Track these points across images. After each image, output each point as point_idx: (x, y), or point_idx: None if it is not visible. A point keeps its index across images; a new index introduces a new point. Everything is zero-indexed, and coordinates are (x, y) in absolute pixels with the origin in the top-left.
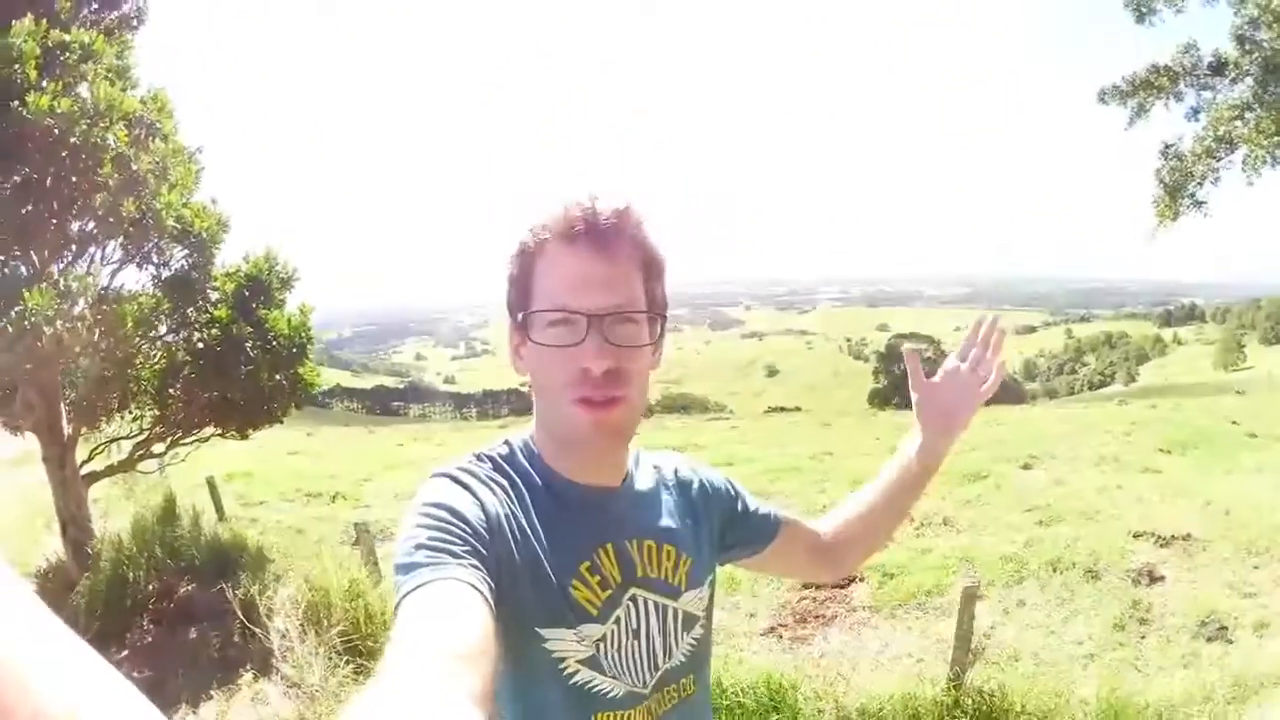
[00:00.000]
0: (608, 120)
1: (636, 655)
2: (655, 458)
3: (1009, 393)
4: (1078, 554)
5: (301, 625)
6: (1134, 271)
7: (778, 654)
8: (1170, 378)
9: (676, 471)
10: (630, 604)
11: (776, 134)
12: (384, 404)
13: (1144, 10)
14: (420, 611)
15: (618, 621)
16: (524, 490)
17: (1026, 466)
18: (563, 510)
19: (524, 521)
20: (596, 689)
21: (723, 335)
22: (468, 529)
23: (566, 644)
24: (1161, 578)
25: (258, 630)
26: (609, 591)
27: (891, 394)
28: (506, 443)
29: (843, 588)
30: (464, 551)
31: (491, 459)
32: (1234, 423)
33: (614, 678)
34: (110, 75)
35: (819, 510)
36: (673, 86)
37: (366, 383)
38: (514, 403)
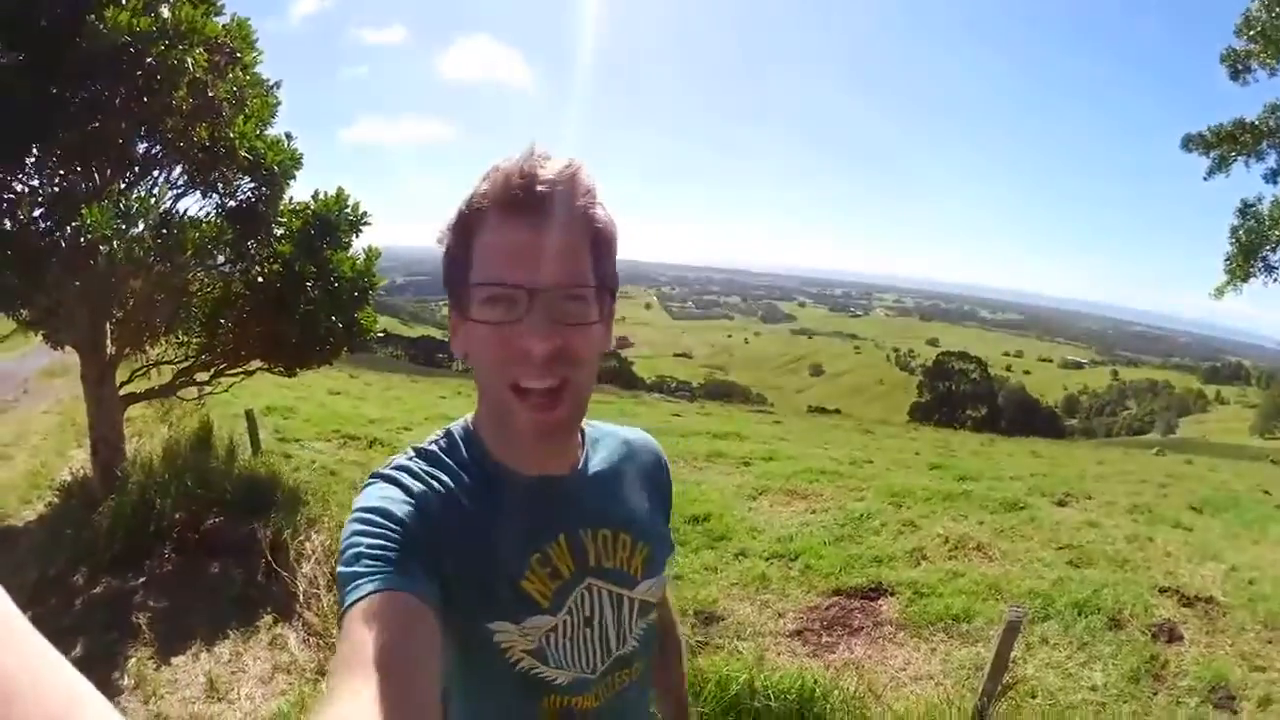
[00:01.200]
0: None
1: (589, 643)
2: (620, 433)
3: (1049, 425)
4: (1104, 600)
5: (330, 574)
6: (1187, 324)
7: (803, 658)
8: (1208, 435)
9: (642, 451)
10: (585, 593)
11: (859, 136)
12: (429, 355)
13: (1240, 68)
14: (365, 625)
15: (570, 612)
16: (467, 483)
17: (1062, 504)
18: (510, 502)
19: (468, 518)
20: (543, 676)
21: (772, 329)
22: (406, 533)
23: (512, 637)
24: (1181, 637)
25: (284, 573)
26: (559, 583)
27: (934, 410)
28: (447, 432)
29: (872, 600)
30: (405, 558)
31: (429, 454)
32: (1266, 492)
33: (560, 668)
34: None
35: (855, 519)
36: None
37: (414, 332)
38: None
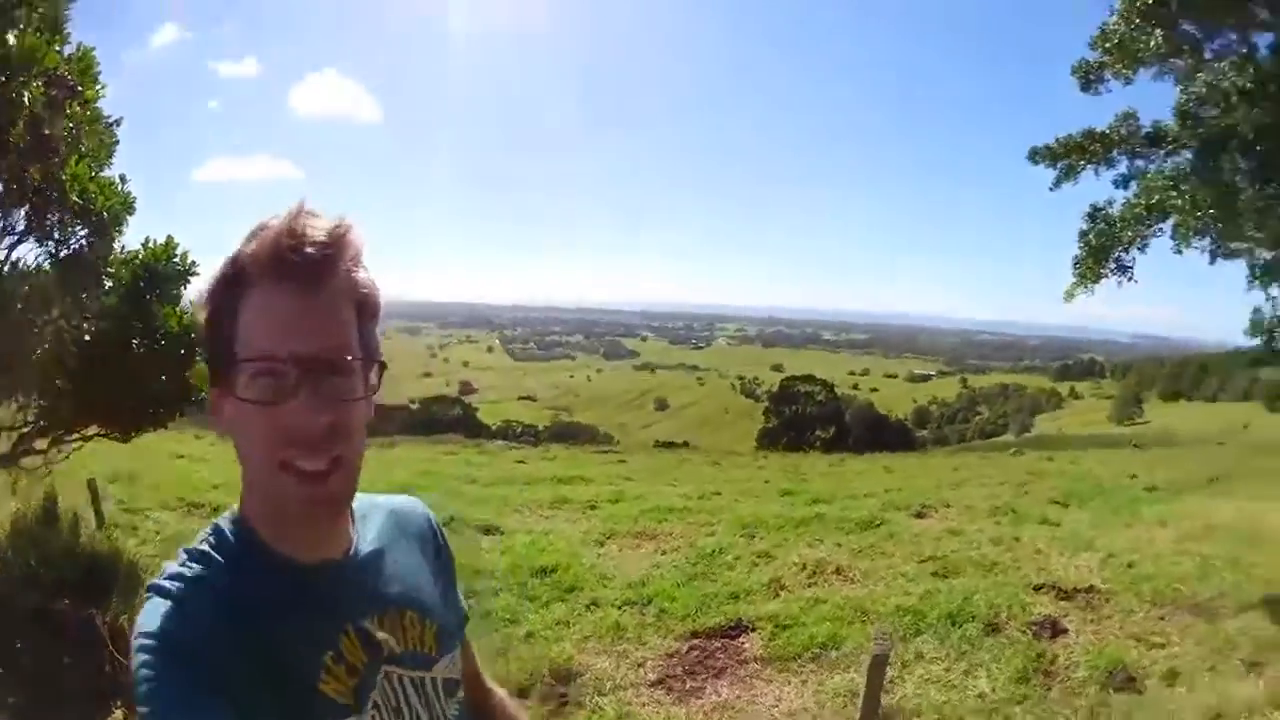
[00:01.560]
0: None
1: None
2: (385, 504)
3: (900, 439)
4: (976, 606)
5: None
6: (1036, 328)
7: (669, 707)
8: (1065, 429)
9: (411, 519)
10: (385, 683)
11: (697, 166)
12: None
13: (1092, 79)
14: None
15: (376, 707)
16: (244, 583)
17: (920, 515)
18: (290, 599)
19: (251, 623)
20: None
21: (615, 365)
22: (187, 660)
23: None
24: (1065, 630)
25: (127, 662)
26: (357, 679)
27: (782, 434)
28: (216, 527)
29: (733, 638)
30: (190, 692)
31: (201, 554)
32: (1132, 476)
33: None
34: (41, 25)
35: (707, 555)
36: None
37: None
38: (403, 419)
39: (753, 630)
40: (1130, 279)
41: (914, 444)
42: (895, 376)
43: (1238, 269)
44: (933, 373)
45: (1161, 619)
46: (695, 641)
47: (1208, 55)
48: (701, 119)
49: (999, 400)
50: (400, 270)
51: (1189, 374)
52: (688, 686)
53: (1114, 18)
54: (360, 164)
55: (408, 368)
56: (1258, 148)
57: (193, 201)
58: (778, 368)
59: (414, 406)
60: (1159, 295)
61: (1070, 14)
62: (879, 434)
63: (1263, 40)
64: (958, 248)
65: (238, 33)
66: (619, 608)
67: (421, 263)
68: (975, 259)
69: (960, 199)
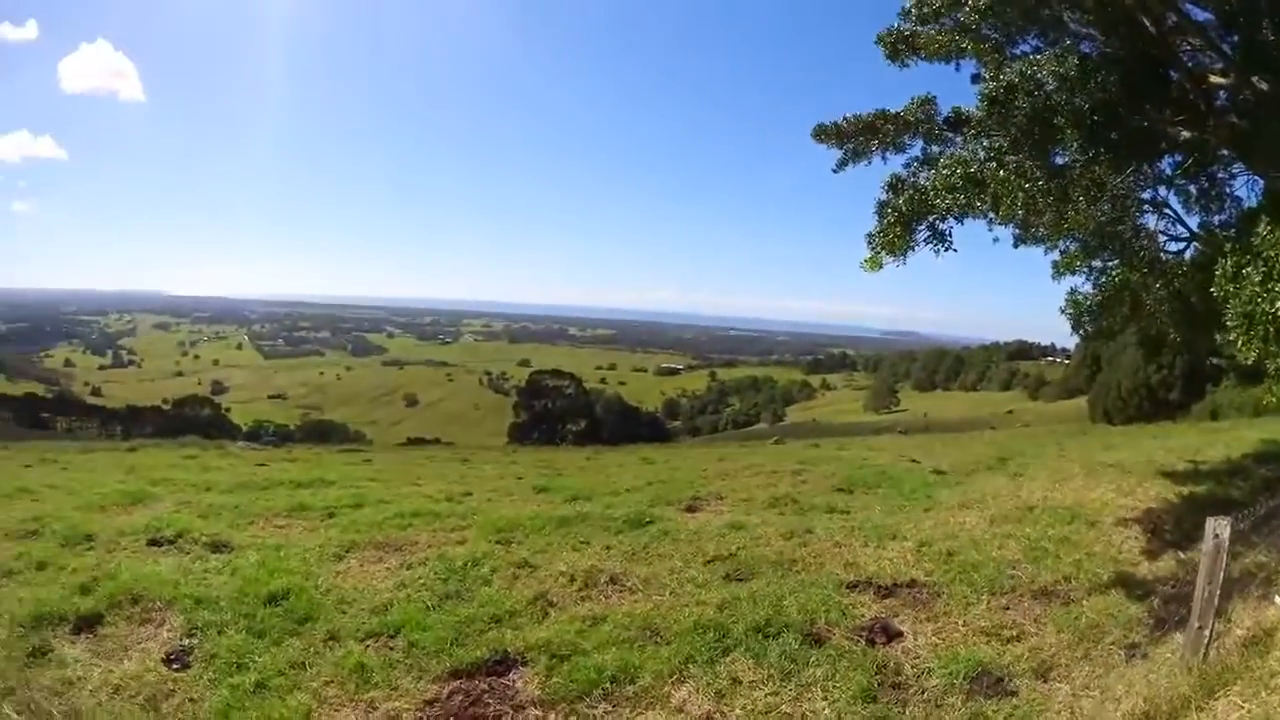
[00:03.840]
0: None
1: None
2: None
3: (653, 430)
4: (789, 613)
5: None
6: (784, 325)
7: None
8: (819, 418)
9: None
10: None
11: (438, 155)
12: (34, 415)
13: (900, 49)
14: None
15: None
16: None
17: (692, 509)
18: None
19: None
20: None
21: (364, 362)
22: None
23: None
24: (900, 633)
25: None
26: None
27: (532, 428)
28: None
29: (501, 675)
30: None
31: None
32: (914, 460)
33: None
34: None
35: (459, 569)
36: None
37: (18, 388)
38: (156, 421)
39: (524, 663)
40: (949, 248)
41: (667, 435)
42: (644, 370)
43: (995, 272)
44: (681, 366)
45: (1007, 609)
46: (456, 683)
47: (1013, 53)
48: (448, 114)
49: (750, 392)
50: (157, 264)
51: (946, 366)
52: None
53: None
54: (122, 145)
55: (159, 366)
56: (1090, 125)
57: None
58: (525, 363)
59: (167, 408)
60: (912, 297)
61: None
62: (632, 426)
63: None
64: (703, 245)
65: None
66: (362, 641)
67: (170, 254)
68: (717, 254)
69: (702, 196)
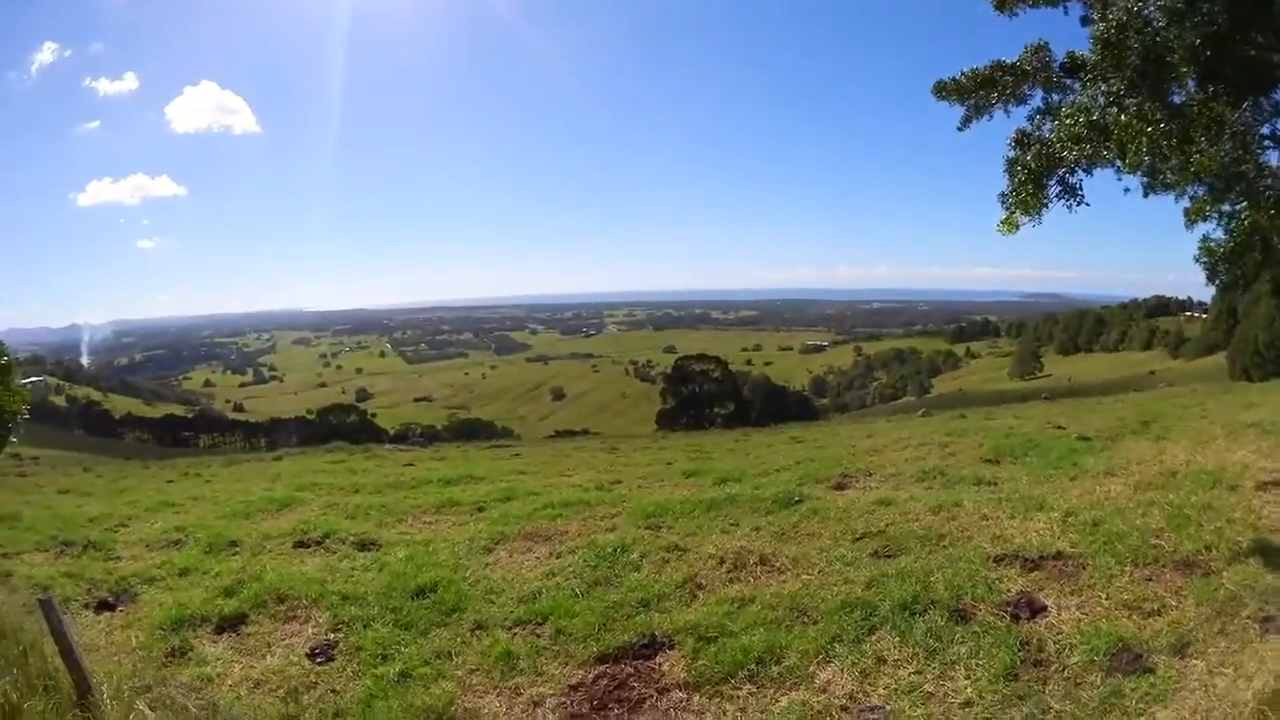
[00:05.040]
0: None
1: None
2: None
3: (801, 409)
4: (935, 590)
5: None
6: (926, 293)
7: None
8: (965, 388)
9: None
10: None
11: (574, 151)
12: (175, 435)
13: None
14: None
15: None
16: None
17: (840, 487)
18: None
19: None
20: None
21: (508, 360)
22: None
23: None
24: (1044, 608)
25: None
26: None
27: (680, 414)
28: None
29: (648, 659)
30: None
31: None
32: (1059, 427)
33: None
34: None
35: (608, 555)
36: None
37: (157, 411)
38: (302, 431)
39: (671, 647)
40: (1081, 201)
41: (815, 413)
42: (789, 349)
43: (1132, 224)
44: (825, 343)
45: (1149, 580)
46: (602, 668)
47: None
48: (578, 109)
49: (895, 364)
50: (284, 282)
51: (1087, 327)
52: None
53: None
54: (240, 177)
55: (301, 379)
56: (1203, 59)
57: (74, 228)
58: (670, 349)
59: (311, 418)
60: (1047, 258)
61: None
62: (779, 406)
63: None
64: (836, 218)
65: (116, 48)
66: (509, 629)
67: (303, 273)
68: (855, 229)
69: (832, 169)
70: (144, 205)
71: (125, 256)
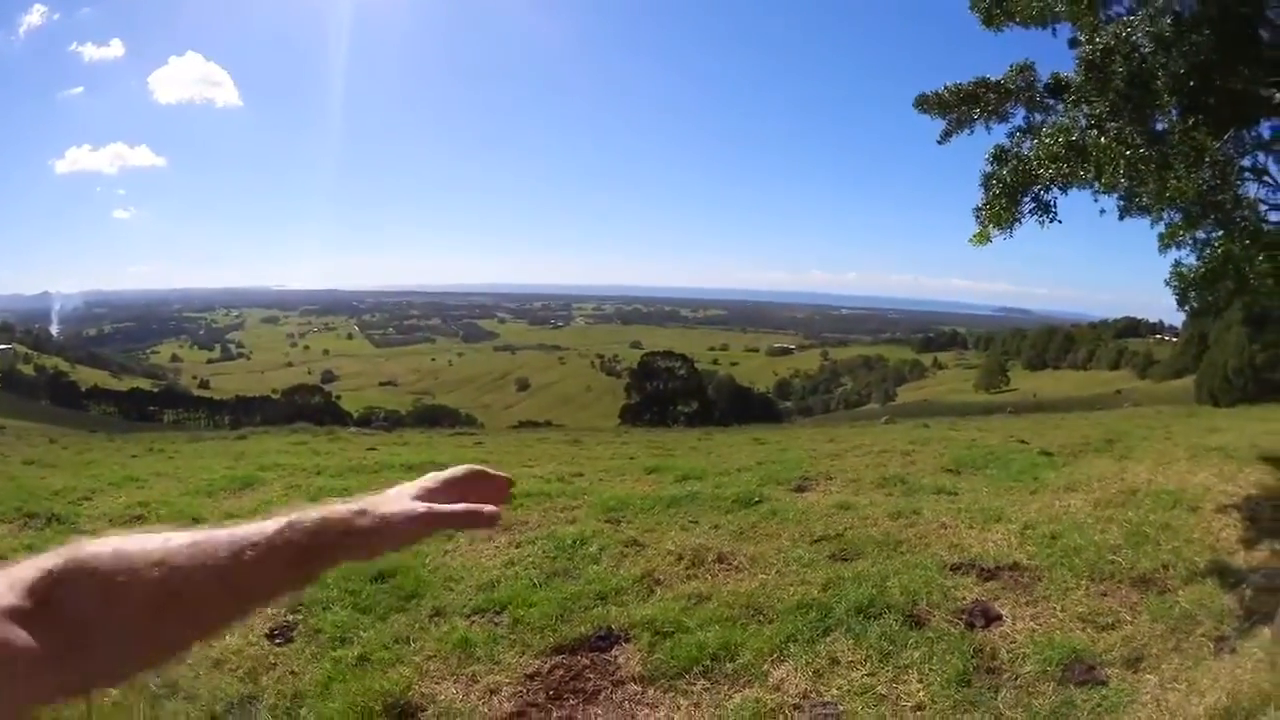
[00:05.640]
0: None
1: None
2: None
3: (765, 411)
4: (891, 594)
5: None
6: (896, 302)
7: None
8: (929, 398)
9: None
10: None
11: (543, 142)
12: (141, 409)
13: (995, 13)
14: None
15: None
16: None
17: (801, 489)
18: None
19: None
20: None
21: (475, 348)
22: None
23: None
24: (999, 617)
25: None
26: None
27: (644, 410)
28: None
29: (604, 651)
30: None
31: None
32: (1022, 442)
33: None
34: None
35: (567, 547)
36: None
37: (124, 385)
38: (266, 410)
39: (627, 640)
40: (1054, 218)
41: (779, 416)
42: (756, 351)
43: (1108, 246)
44: (793, 346)
45: (1104, 595)
46: (559, 658)
47: (1108, 14)
48: (548, 100)
49: (862, 371)
50: (256, 260)
51: (1055, 344)
52: (554, 717)
53: None
54: (219, 150)
55: (268, 358)
56: (1187, 89)
57: (51, 194)
58: (637, 345)
59: (276, 398)
60: (1023, 274)
61: None
62: (743, 407)
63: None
64: (811, 222)
65: (105, 12)
66: (467, 617)
67: (276, 251)
68: (829, 233)
69: (809, 173)
70: (122, 175)
71: (101, 226)
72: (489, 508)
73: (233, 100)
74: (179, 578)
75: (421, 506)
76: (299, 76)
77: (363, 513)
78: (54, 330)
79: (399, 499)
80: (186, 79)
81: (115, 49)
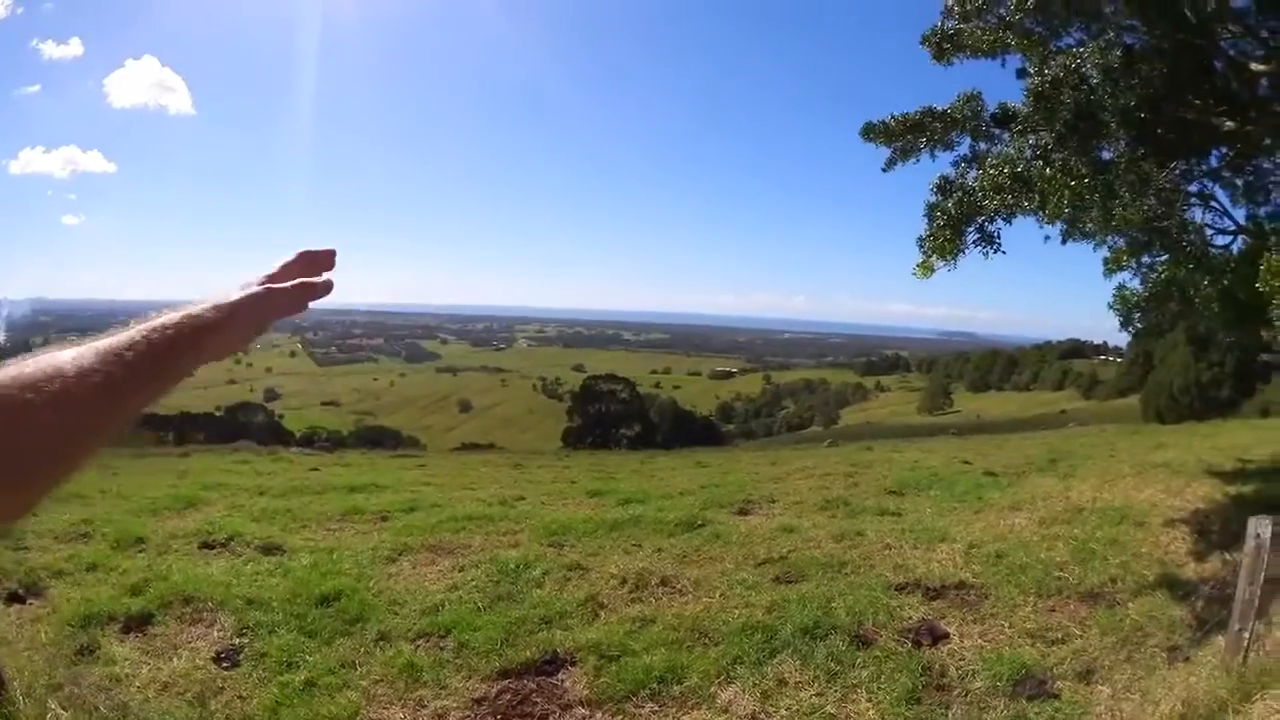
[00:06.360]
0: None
1: None
2: None
3: (707, 434)
4: (837, 615)
5: None
6: (839, 326)
7: None
8: (872, 420)
9: None
10: None
11: (488, 164)
12: None
13: (945, 47)
14: None
15: None
16: None
17: (744, 512)
18: None
19: None
20: None
21: (417, 368)
22: None
23: None
24: (946, 635)
25: None
26: None
27: (587, 433)
28: None
29: (550, 675)
30: None
31: None
32: (966, 462)
33: None
34: None
35: (511, 571)
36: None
37: None
38: (209, 427)
39: (573, 664)
40: (997, 249)
41: (721, 439)
42: (698, 374)
43: (1051, 269)
44: (735, 370)
45: (1053, 611)
46: (505, 682)
47: (1057, 46)
48: (494, 123)
49: (804, 394)
50: (202, 272)
51: (999, 366)
52: None
53: None
54: (169, 158)
55: (211, 374)
56: (1136, 120)
57: (4, 196)
58: (579, 368)
59: (220, 415)
60: (967, 298)
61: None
62: (685, 430)
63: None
64: (757, 246)
65: (66, 9)
66: (412, 641)
67: (223, 263)
68: (775, 258)
69: (753, 196)
70: (73, 179)
71: (50, 231)
72: (321, 278)
73: (186, 108)
74: (75, 389)
75: (261, 287)
76: (252, 88)
77: (216, 306)
78: (0, 337)
79: (244, 289)
80: (142, 83)
81: (74, 48)
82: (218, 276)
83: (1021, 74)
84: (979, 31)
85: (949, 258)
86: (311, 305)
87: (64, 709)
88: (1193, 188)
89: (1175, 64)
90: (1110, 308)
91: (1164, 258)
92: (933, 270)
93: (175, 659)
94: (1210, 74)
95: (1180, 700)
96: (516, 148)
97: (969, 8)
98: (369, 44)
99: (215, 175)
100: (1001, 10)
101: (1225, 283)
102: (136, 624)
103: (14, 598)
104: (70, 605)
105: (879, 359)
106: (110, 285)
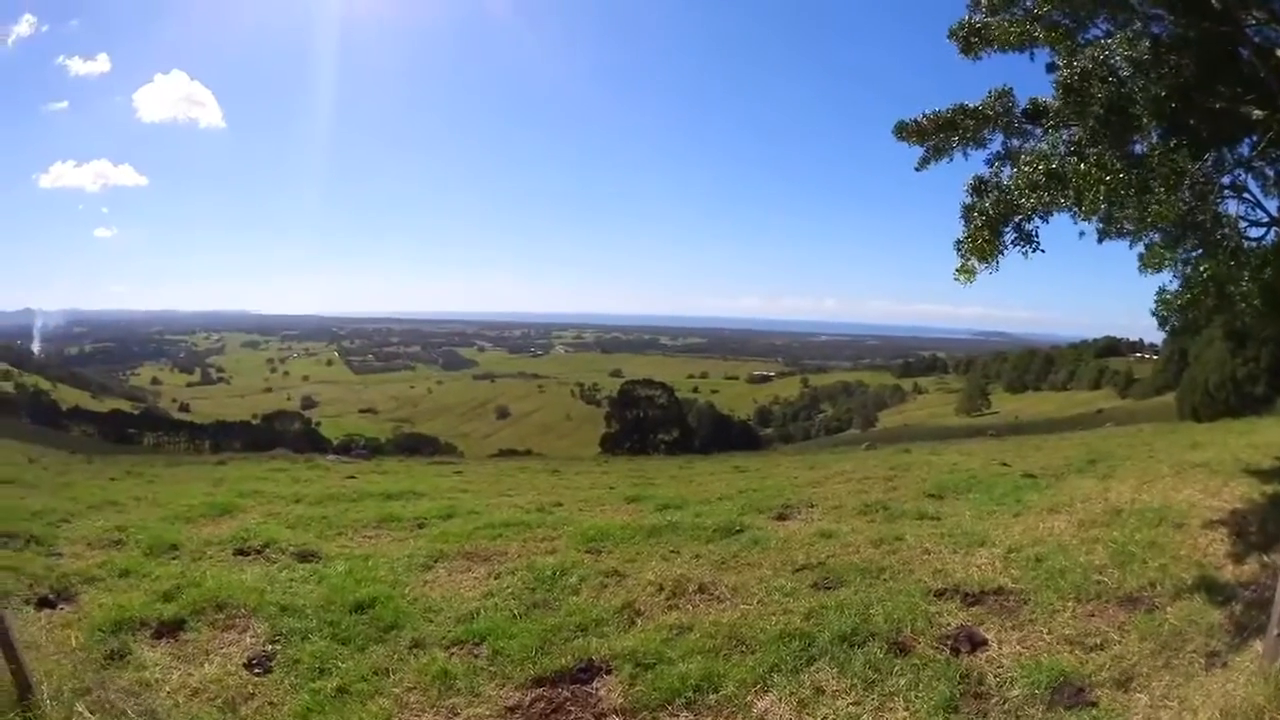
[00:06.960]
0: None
1: None
2: None
3: (745, 438)
4: (875, 622)
5: None
6: (875, 328)
7: None
8: (910, 423)
9: None
10: None
11: (524, 173)
12: (120, 431)
13: (973, 41)
14: None
15: None
16: None
17: (782, 517)
18: None
19: None
20: None
21: (455, 375)
22: None
23: None
24: (984, 641)
25: None
26: None
27: (625, 439)
28: None
29: (585, 683)
30: None
31: None
32: (1004, 464)
33: None
34: None
35: (547, 578)
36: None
37: (104, 406)
38: (246, 435)
39: (608, 672)
40: (1036, 249)
41: (760, 443)
42: (735, 378)
43: (1083, 266)
44: (772, 373)
45: (1092, 616)
46: (539, 690)
47: (1085, 39)
48: (530, 131)
49: (842, 397)
50: (237, 283)
51: (1035, 366)
52: None
53: None
54: (201, 172)
55: (248, 383)
56: (1168, 111)
57: (34, 210)
58: (617, 373)
59: (256, 423)
60: (1001, 297)
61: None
62: (724, 434)
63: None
64: (786, 248)
65: (93, 27)
66: (446, 649)
67: (257, 274)
68: (806, 261)
69: (786, 200)
70: (104, 193)
71: (82, 244)
72: None
73: (216, 121)
74: None
75: None
76: (282, 100)
77: None
78: (35, 348)
79: None
80: (171, 97)
81: (102, 64)
82: (249, 286)
83: (1051, 68)
84: (1006, 24)
85: (989, 259)
86: (348, 313)
87: (91, 713)
88: (1225, 179)
89: (1202, 53)
90: (1153, 314)
91: (1198, 253)
92: (974, 274)
93: (206, 665)
94: (1237, 62)
95: (1218, 709)
96: (550, 156)
97: (996, 1)
98: (397, 52)
99: (246, 186)
100: (1028, 2)
101: (1265, 276)
102: (168, 630)
103: (45, 603)
104: (102, 611)
105: (916, 360)
106: (143, 296)
